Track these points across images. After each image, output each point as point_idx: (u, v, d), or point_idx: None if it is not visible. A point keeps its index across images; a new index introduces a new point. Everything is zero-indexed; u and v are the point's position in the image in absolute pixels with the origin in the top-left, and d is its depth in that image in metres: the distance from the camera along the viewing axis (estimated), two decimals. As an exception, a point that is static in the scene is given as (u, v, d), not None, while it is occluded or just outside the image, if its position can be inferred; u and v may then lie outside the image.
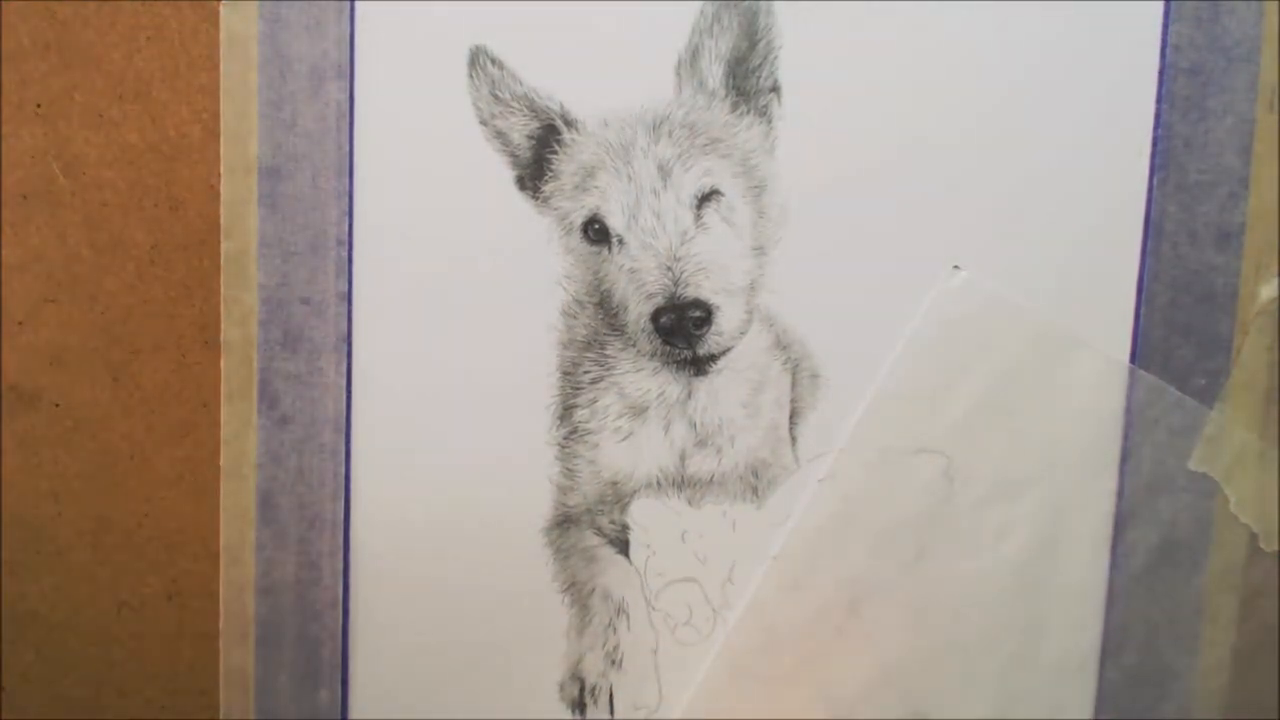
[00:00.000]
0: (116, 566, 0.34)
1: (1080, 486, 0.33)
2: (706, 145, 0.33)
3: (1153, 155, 0.33)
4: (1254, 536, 0.33)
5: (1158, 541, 0.33)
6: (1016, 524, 0.33)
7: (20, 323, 0.33)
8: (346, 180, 0.33)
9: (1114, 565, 0.34)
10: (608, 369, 0.34)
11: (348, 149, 0.33)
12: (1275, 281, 0.33)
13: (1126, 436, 0.33)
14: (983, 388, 0.33)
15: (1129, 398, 0.33)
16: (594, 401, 0.34)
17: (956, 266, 0.33)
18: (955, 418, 0.33)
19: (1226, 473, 0.33)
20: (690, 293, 0.33)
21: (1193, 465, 0.33)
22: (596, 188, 0.33)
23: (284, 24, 0.32)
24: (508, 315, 0.33)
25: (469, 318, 0.33)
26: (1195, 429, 0.33)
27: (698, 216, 0.33)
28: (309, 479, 0.34)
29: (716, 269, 0.33)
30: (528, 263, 0.33)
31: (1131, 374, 0.33)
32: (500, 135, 0.33)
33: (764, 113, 0.33)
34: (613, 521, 0.35)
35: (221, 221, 0.33)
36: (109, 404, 0.34)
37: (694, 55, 0.33)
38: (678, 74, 0.33)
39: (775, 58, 0.33)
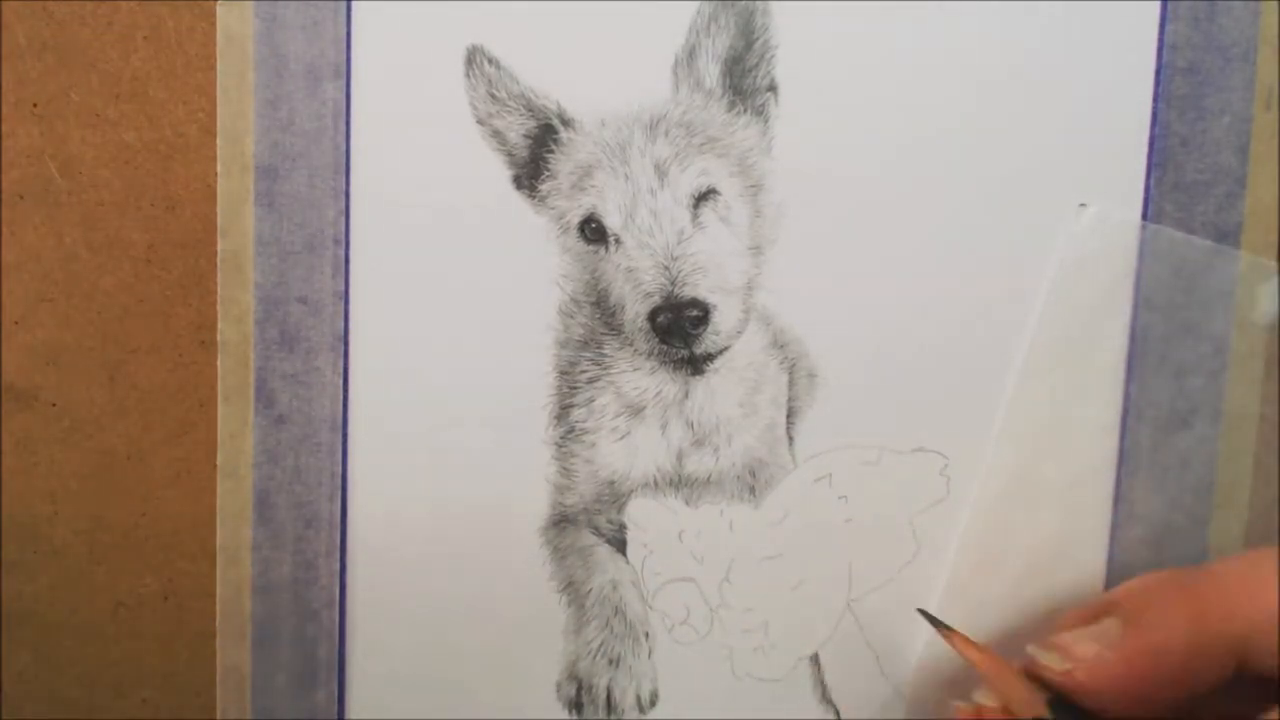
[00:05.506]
0: (113, 566, 0.34)
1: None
2: (703, 145, 0.33)
3: (1150, 154, 0.33)
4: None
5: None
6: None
7: (16, 322, 0.33)
8: (343, 180, 0.33)
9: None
10: (605, 368, 0.34)
11: (344, 148, 0.33)
12: (1274, 281, 0.33)
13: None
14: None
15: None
16: (591, 401, 0.34)
17: (1083, 204, 0.32)
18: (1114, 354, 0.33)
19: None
20: (687, 292, 0.33)
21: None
22: (593, 187, 0.33)
23: (280, 23, 0.32)
24: (505, 315, 0.33)
25: (466, 317, 0.33)
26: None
27: (695, 216, 0.33)
28: (306, 478, 0.34)
29: (713, 268, 0.33)
30: (525, 262, 0.33)
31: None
32: (497, 134, 0.33)
33: (761, 112, 0.33)
34: (610, 521, 0.35)
35: (218, 221, 0.33)
36: (105, 404, 0.34)
37: (691, 55, 0.33)
38: (675, 73, 0.33)
39: (772, 57, 0.33)
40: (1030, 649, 0.30)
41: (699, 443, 0.34)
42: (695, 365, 0.34)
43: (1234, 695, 0.28)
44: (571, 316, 0.34)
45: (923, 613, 0.32)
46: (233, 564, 0.34)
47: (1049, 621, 0.32)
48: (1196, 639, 0.27)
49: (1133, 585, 0.30)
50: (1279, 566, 0.27)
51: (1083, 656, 0.28)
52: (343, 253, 0.33)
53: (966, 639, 0.31)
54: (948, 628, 0.31)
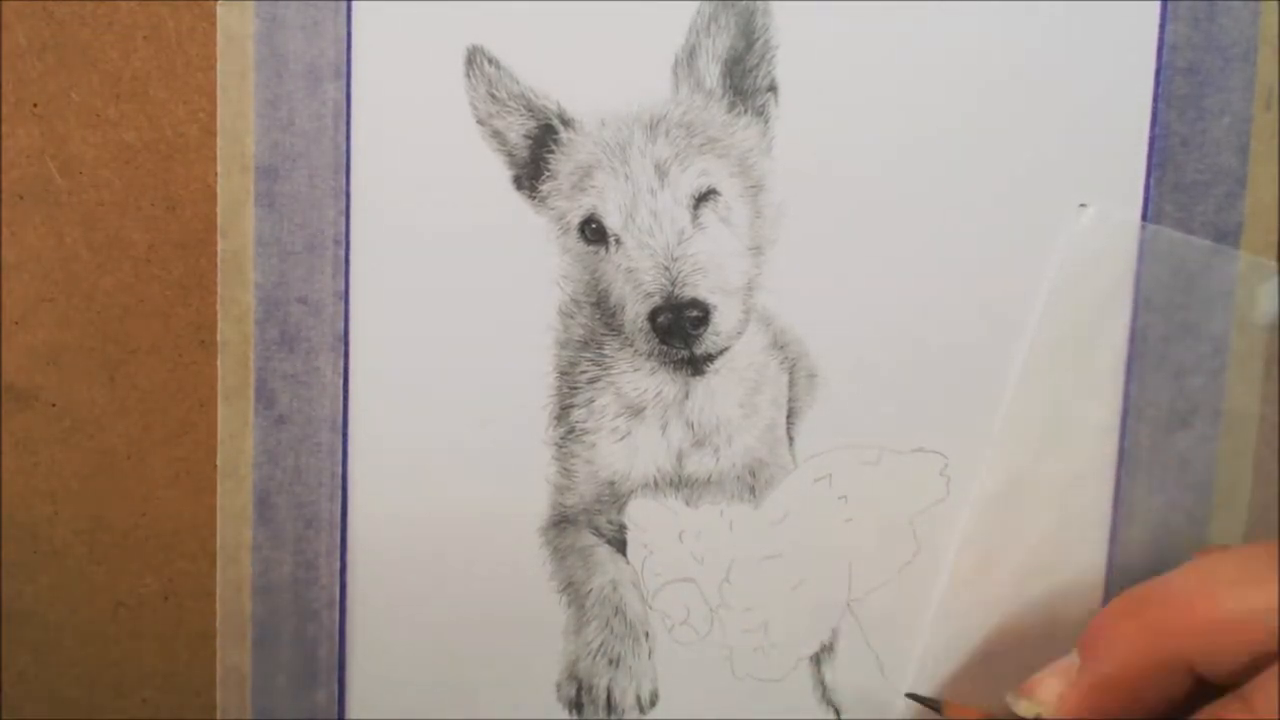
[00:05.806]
0: (113, 566, 0.34)
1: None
2: (703, 145, 0.33)
3: (1150, 155, 0.33)
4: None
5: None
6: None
7: (16, 322, 0.33)
8: (343, 180, 0.33)
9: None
10: (605, 369, 0.34)
11: (344, 148, 0.33)
12: (1274, 281, 0.33)
13: None
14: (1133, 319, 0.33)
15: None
16: (591, 401, 0.34)
17: (1083, 204, 0.32)
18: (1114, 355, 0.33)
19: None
20: (688, 292, 0.33)
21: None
22: (594, 187, 0.33)
23: (281, 23, 0.32)
24: (505, 315, 0.33)
25: (466, 317, 0.33)
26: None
27: (695, 216, 0.33)
28: (306, 479, 0.34)
29: (714, 268, 0.33)
30: (525, 263, 0.33)
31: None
32: (497, 135, 0.33)
33: (761, 112, 0.33)
34: (610, 521, 0.35)
35: (218, 221, 0.33)
36: (105, 404, 0.34)
37: (691, 55, 0.33)
38: (675, 74, 0.33)
39: (772, 57, 0.33)
40: (1007, 698, 0.30)
41: (699, 443, 0.34)
42: (695, 366, 0.34)
43: (1203, 702, 0.28)
44: (571, 317, 0.34)
45: (913, 696, 0.34)
46: (233, 564, 0.34)
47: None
48: (1147, 661, 0.28)
49: (1099, 614, 0.30)
50: (1222, 571, 0.28)
51: (1045, 699, 0.29)
52: (343, 253, 0.33)
53: (957, 706, 0.33)
54: (938, 702, 0.33)
